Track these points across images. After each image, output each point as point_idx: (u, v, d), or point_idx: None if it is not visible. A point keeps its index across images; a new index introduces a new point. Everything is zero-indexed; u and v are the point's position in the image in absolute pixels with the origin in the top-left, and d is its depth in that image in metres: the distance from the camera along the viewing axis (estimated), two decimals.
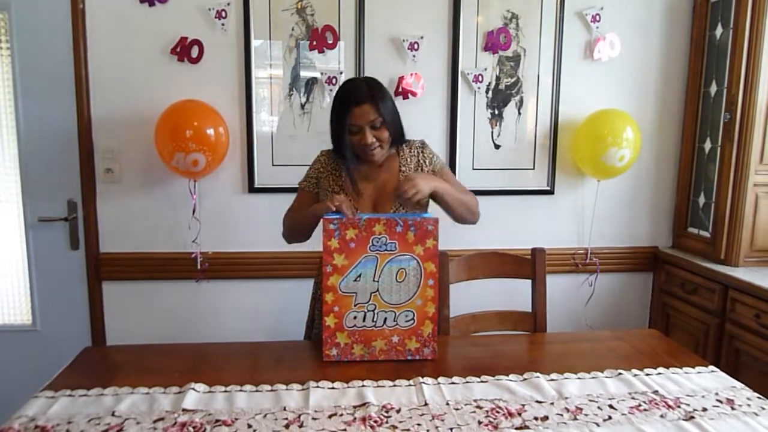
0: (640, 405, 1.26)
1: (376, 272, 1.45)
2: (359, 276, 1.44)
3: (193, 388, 1.29)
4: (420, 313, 1.48)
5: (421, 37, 2.42)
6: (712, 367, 1.46)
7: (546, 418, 1.20)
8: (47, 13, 2.27)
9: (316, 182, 1.74)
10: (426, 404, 1.25)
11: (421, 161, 1.74)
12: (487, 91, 2.51)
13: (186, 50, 2.34)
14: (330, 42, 2.39)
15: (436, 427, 1.15)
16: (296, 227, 1.73)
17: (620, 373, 1.40)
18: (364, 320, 1.46)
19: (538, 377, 1.38)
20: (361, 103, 1.58)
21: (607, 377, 1.39)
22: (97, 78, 2.33)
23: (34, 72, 2.30)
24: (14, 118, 2.32)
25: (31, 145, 2.33)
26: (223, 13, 2.33)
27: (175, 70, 2.35)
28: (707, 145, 2.52)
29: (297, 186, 1.78)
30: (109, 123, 2.36)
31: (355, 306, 1.45)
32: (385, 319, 1.47)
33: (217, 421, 1.17)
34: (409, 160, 1.73)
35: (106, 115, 2.36)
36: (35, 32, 2.28)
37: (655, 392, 1.32)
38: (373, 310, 1.46)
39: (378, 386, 1.33)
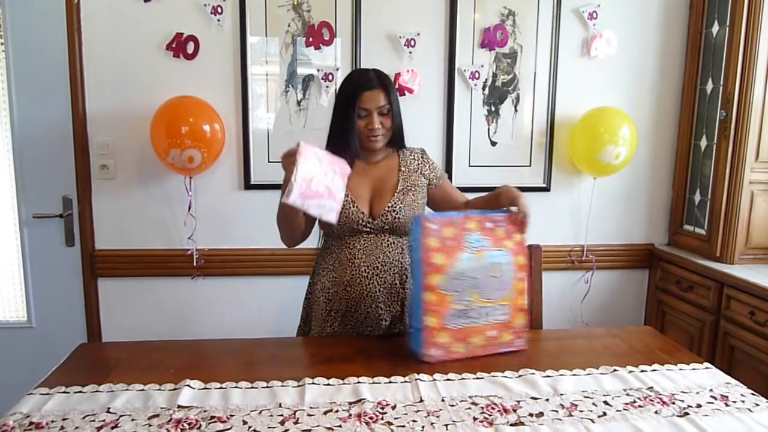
0: (634, 401, 1.26)
1: (472, 269, 1.44)
2: (459, 274, 1.43)
3: (189, 385, 1.29)
4: (513, 306, 1.49)
5: (418, 34, 2.42)
6: (706, 364, 1.47)
7: (541, 414, 1.20)
8: (41, 8, 2.26)
9: None
10: (421, 400, 1.24)
11: (421, 165, 1.77)
12: (483, 88, 2.51)
13: (181, 46, 2.33)
14: (326, 38, 2.39)
15: (432, 424, 1.15)
16: (284, 222, 1.66)
17: (615, 370, 1.41)
18: (463, 317, 1.44)
19: (533, 374, 1.38)
20: (372, 88, 1.62)
21: (602, 374, 1.39)
22: (92, 74, 2.33)
23: (28, 67, 2.29)
24: (8, 114, 2.31)
25: (26, 141, 2.32)
26: (219, 9, 2.33)
27: (170, 66, 2.35)
28: (703, 143, 2.52)
29: None
30: (104, 119, 2.35)
31: (454, 304, 1.43)
32: (483, 314, 1.46)
33: (212, 417, 1.17)
34: (409, 162, 1.75)
35: (101, 111, 2.35)
36: (29, 27, 2.27)
37: (650, 389, 1.32)
38: (472, 307, 1.45)
39: (373, 383, 1.32)
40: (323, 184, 1.43)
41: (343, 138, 1.68)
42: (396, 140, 1.73)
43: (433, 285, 1.40)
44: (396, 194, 1.67)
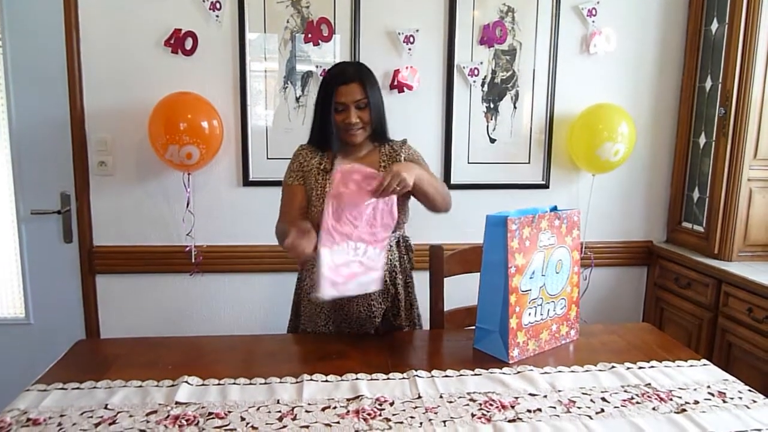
0: (632, 398, 1.26)
1: (543, 266, 1.48)
2: (533, 273, 1.46)
3: (186, 382, 1.29)
4: (569, 299, 1.55)
5: (417, 30, 2.41)
6: (704, 361, 1.47)
7: (539, 410, 1.20)
8: (39, 4, 2.25)
9: (302, 176, 1.71)
10: (419, 397, 1.25)
11: (401, 154, 1.71)
12: (482, 85, 2.51)
13: (180, 42, 2.32)
14: (325, 35, 2.38)
15: (430, 420, 1.16)
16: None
17: (613, 367, 1.41)
18: (535, 315, 1.48)
19: (531, 370, 1.38)
20: (348, 82, 1.60)
21: (600, 370, 1.40)
22: (90, 70, 2.32)
23: (26, 64, 2.28)
24: (6, 110, 2.30)
25: (24, 137, 2.32)
26: (218, 5, 2.32)
27: (168, 62, 2.34)
28: (702, 140, 2.52)
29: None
30: (102, 115, 2.35)
31: (529, 303, 1.46)
32: (548, 310, 1.51)
33: (210, 414, 1.17)
34: (389, 155, 1.72)
35: (100, 107, 2.34)
36: (27, 24, 2.26)
37: (648, 385, 1.32)
38: (540, 304, 1.49)
39: (372, 379, 1.33)
40: (356, 262, 1.40)
41: (322, 133, 1.67)
42: (378, 134, 1.70)
43: (516, 286, 1.43)
44: None
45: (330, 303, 1.66)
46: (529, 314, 1.47)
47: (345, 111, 1.61)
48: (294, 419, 1.15)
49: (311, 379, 1.31)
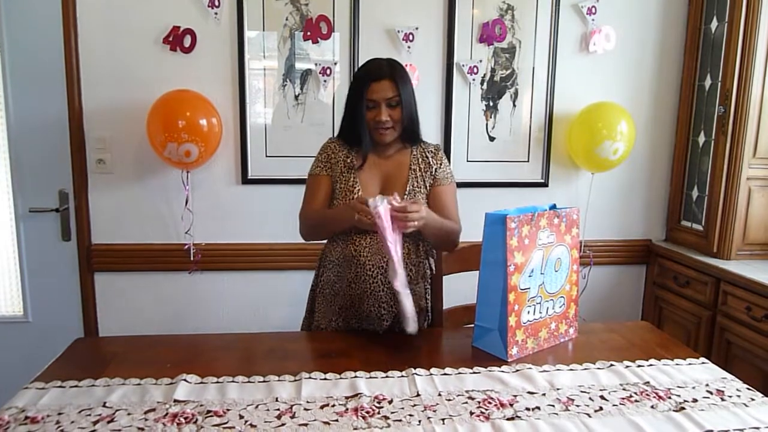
0: (631, 396, 1.26)
1: (542, 264, 1.48)
2: (532, 271, 1.46)
3: (185, 379, 1.29)
4: (568, 297, 1.55)
5: (416, 28, 2.41)
6: (703, 359, 1.47)
7: (538, 408, 1.20)
8: (38, 1, 2.24)
9: (329, 167, 1.69)
10: (418, 395, 1.24)
11: (433, 164, 1.71)
12: (482, 83, 2.50)
13: (178, 40, 2.31)
14: (324, 32, 2.38)
15: (428, 418, 1.15)
16: (320, 231, 1.71)
17: (612, 365, 1.41)
18: (534, 313, 1.48)
19: (530, 368, 1.38)
20: (380, 79, 1.59)
21: (599, 369, 1.40)
22: (88, 67, 2.31)
23: (24, 61, 2.28)
24: (4, 109, 2.30)
25: (22, 135, 2.31)
26: (216, 2, 2.31)
27: (167, 59, 2.33)
28: (701, 139, 2.52)
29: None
30: (100, 113, 2.34)
31: (528, 301, 1.46)
32: (547, 308, 1.51)
33: (209, 412, 1.17)
34: (420, 160, 1.70)
35: (98, 105, 2.34)
36: (25, 21, 2.26)
37: (647, 383, 1.32)
38: (539, 302, 1.49)
39: (370, 377, 1.33)
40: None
41: (353, 129, 1.66)
42: (409, 134, 1.68)
43: (515, 285, 1.43)
44: (405, 195, 1.64)
45: (343, 300, 1.66)
46: (528, 312, 1.47)
47: (376, 108, 1.60)
48: (293, 417, 1.15)
49: (310, 377, 1.31)
